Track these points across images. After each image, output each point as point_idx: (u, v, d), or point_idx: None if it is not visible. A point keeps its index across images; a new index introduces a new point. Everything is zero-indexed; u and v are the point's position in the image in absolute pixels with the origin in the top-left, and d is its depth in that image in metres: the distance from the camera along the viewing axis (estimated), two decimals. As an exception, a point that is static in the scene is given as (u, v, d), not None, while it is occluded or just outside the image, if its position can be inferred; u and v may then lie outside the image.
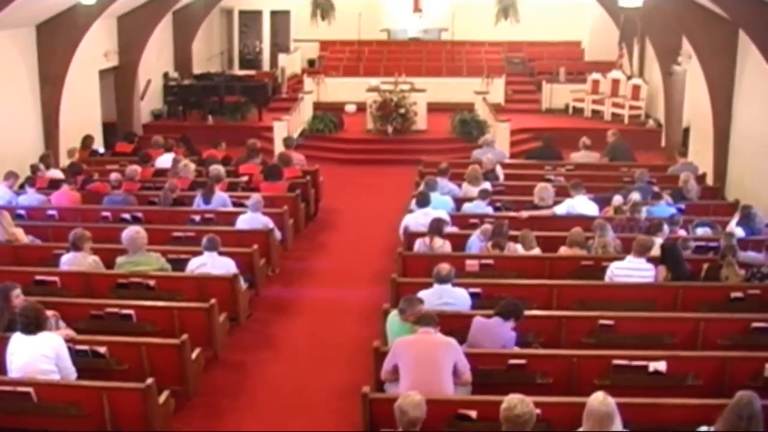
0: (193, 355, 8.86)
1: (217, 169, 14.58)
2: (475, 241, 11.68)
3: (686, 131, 20.50)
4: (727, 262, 10.39)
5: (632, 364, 8.12)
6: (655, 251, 10.72)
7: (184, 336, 8.69)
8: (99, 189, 14.50)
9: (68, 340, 8.15)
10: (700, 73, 17.40)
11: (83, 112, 19.48)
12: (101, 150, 18.91)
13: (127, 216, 13.20)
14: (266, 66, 30.54)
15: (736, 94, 16.53)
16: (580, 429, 6.27)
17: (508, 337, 8.47)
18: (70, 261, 10.59)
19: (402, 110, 22.10)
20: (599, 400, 6.15)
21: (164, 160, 16.37)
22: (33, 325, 7.60)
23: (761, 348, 8.70)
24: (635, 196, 13.33)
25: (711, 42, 16.61)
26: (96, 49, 19.95)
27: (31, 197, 13.95)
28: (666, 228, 11.62)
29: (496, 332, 8.45)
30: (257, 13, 30.77)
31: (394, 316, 8.71)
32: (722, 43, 16.46)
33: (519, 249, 11.34)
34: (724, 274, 10.37)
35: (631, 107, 24.03)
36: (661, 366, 8.06)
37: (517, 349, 8.51)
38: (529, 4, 27.99)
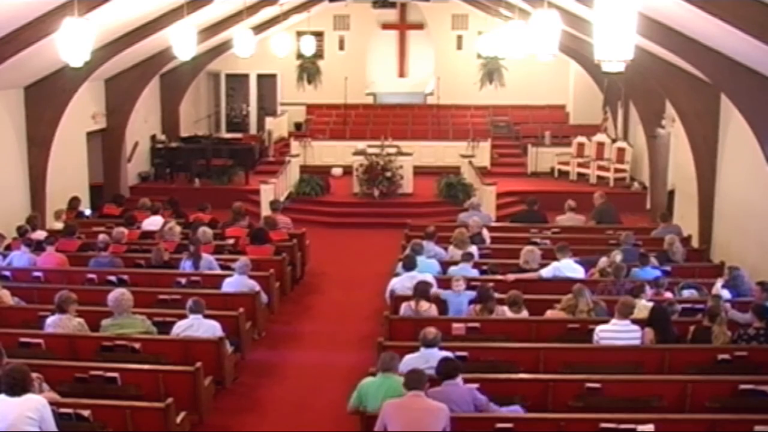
0: (178, 420, 8.77)
1: (204, 230, 14.59)
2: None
3: (671, 194, 20.63)
4: (720, 320, 10.38)
5: (620, 427, 8.08)
6: (642, 313, 10.73)
7: (169, 400, 8.61)
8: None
9: (52, 403, 8.02)
10: (684, 136, 17.55)
11: (70, 174, 19.50)
12: (88, 212, 18.90)
13: (113, 278, 13.14)
14: (253, 129, 30.74)
15: (720, 156, 16.65)
16: None
17: (474, 394, 8.38)
18: (55, 323, 10.49)
19: (388, 173, 22.19)
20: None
21: (150, 223, 16.38)
22: (19, 387, 7.46)
23: (749, 410, 8.69)
24: (617, 256, 13.37)
25: (694, 106, 16.75)
26: (84, 112, 20.04)
27: (22, 257, 13.89)
28: (648, 290, 11.64)
29: (459, 393, 8.33)
30: (244, 77, 31.03)
31: (369, 380, 8.60)
32: (705, 106, 16.60)
33: (507, 312, 11.33)
34: (715, 331, 10.35)
35: (616, 170, 24.19)
36: (650, 429, 8.03)
37: (504, 413, 8.45)
38: (513, 69, 28.27)
